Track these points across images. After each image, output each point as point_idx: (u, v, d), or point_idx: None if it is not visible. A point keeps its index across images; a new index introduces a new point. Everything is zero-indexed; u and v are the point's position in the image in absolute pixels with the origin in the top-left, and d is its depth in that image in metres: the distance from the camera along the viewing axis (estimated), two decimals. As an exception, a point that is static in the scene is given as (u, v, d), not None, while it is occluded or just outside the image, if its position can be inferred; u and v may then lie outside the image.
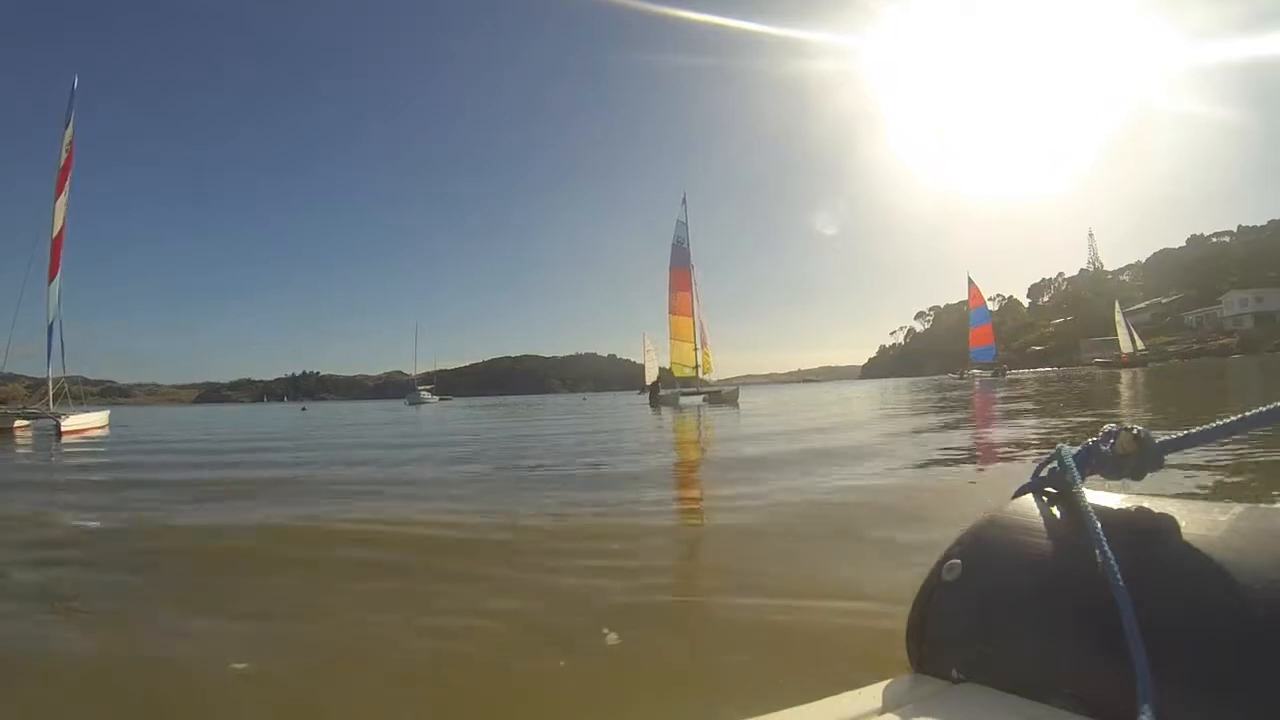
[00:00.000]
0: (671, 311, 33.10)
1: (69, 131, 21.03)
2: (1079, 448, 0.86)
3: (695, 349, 32.50)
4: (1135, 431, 0.82)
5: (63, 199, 20.66)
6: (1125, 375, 34.43)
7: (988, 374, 56.69)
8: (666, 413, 19.76)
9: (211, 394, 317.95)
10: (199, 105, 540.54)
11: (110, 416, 22.54)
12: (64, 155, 20.94)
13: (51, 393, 19.79)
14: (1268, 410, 0.79)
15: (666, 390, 31.55)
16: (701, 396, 28.16)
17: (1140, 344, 68.84)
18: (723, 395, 27.08)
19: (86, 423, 19.06)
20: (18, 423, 18.13)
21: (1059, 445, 0.88)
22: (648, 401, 30.23)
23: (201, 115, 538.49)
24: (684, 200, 33.98)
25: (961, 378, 57.70)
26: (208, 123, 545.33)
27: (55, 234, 20.42)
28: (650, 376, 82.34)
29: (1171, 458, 0.84)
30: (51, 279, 20.21)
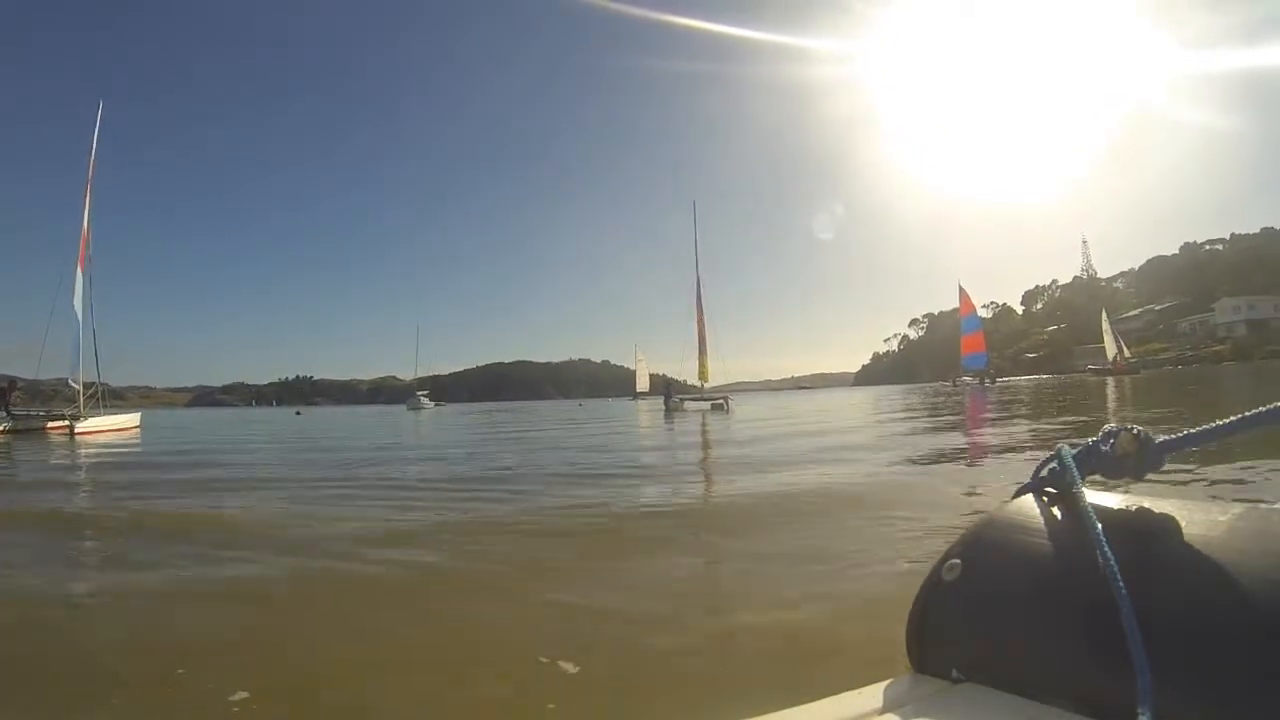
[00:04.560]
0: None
1: (93, 156, 22.08)
2: (1079, 448, 0.86)
3: (698, 356, 33.98)
4: (1135, 431, 0.82)
5: (86, 213, 21.57)
6: (1123, 382, 34.78)
7: (977, 381, 57.69)
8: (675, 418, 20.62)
9: (204, 397, 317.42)
10: (190, 107, 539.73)
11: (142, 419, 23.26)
12: (89, 173, 21.95)
13: (83, 396, 20.31)
14: (1267, 410, 0.79)
15: (679, 396, 32.86)
16: (709, 404, 29.48)
17: (1126, 352, 69.67)
18: (714, 404, 28.55)
19: (109, 424, 19.68)
20: (50, 424, 18.57)
21: (1059, 445, 0.88)
22: (663, 406, 31.43)
23: (193, 117, 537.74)
24: (694, 209, 36.41)
25: (954, 385, 58.35)
26: (201, 125, 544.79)
27: (81, 247, 21.21)
28: (641, 383, 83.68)
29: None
30: (79, 289, 20.85)
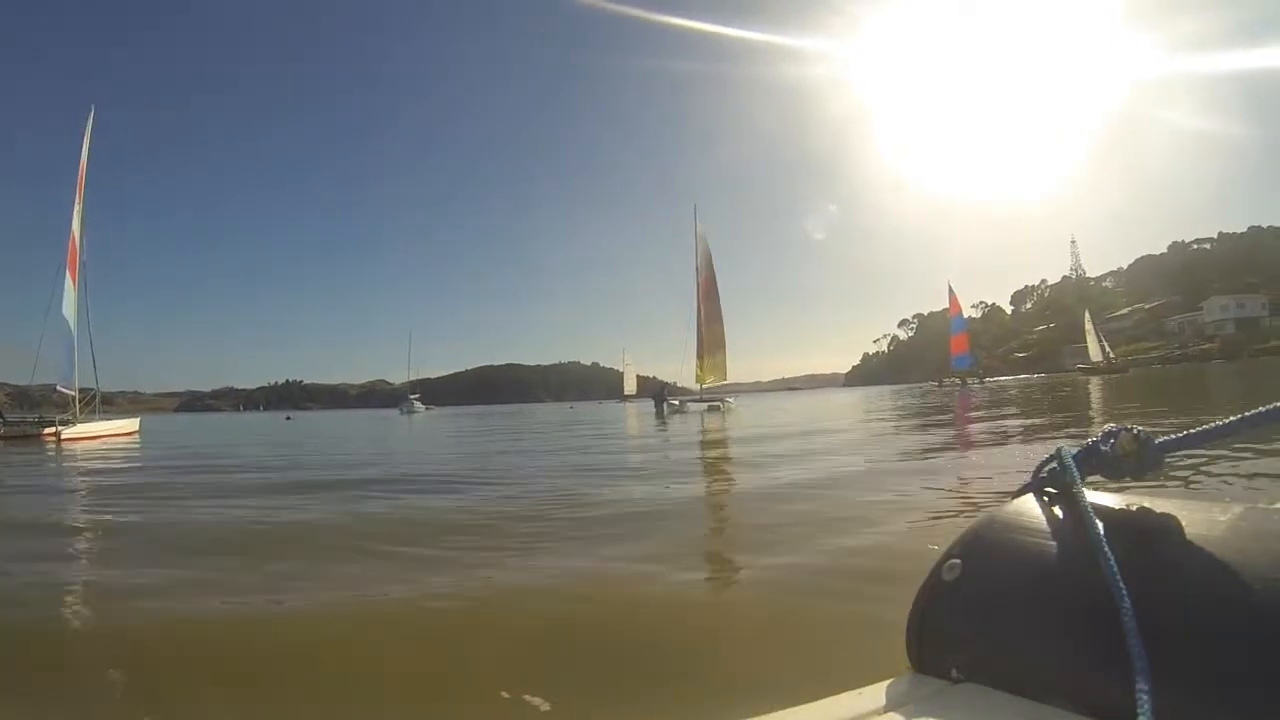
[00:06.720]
0: None
1: (84, 162, 22.17)
2: (1079, 448, 0.86)
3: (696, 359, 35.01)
4: (1135, 431, 0.83)
5: (78, 222, 21.62)
6: (1109, 382, 35.12)
7: (959, 382, 58.88)
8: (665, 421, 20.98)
9: (194, 402, 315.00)
10: (182, 112, 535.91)
11: (142, 423, 23.23)
12: (80, 179, 22.03)
13: (78, 403, 20.42)
14: (1267, 410, 0.79)
15: (678, 399, 33.36)
16: (706, 405, 30.12)
17: (1112, 353, 70.76)
18: (711, 406, 29.36)
19: (105, 430, 19.70)
20: (44, 430, 18.38)
21: (1059, 445, 0.88)
22: (654, 410, 31.70)
23: (185, 122, 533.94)
24: (695, 212, 37.18)
25: (941, 385, 59.15)
26: (192, 130, 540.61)
27: (72, 255, 21.23)
28: (629, 387, 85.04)
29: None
30: (68, 295, 20.85)
